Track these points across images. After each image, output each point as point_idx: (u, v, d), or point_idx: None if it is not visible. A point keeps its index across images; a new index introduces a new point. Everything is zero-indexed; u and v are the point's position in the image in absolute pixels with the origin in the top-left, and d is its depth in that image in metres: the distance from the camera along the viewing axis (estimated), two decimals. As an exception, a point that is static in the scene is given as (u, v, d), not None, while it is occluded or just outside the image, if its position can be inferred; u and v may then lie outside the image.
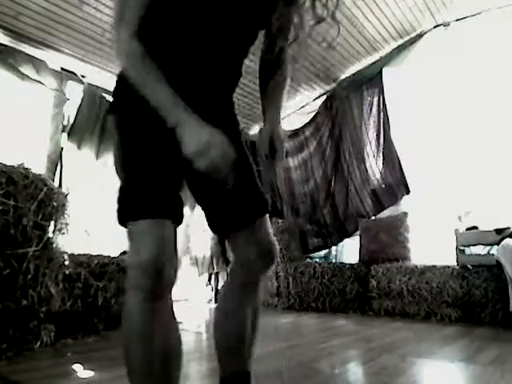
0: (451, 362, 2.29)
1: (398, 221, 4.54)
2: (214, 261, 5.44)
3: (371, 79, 5.09)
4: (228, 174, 0.95)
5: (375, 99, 5.07)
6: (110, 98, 4.44)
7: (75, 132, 4.04)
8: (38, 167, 3.43)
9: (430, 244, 4.51)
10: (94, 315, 2.88)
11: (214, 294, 5.53)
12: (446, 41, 4.67)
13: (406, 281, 3.90)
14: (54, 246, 2.58)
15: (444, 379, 2.02)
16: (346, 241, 5.29)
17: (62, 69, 4.04)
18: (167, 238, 0.98)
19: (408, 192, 4.67)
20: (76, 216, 3.38)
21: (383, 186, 4.87)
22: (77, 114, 4.08)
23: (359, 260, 4.65)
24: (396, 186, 4.74)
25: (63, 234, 2.67)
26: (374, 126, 5.03)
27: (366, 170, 5.01)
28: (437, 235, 4.43)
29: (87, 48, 3.94)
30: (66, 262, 2.72)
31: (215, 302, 5.46)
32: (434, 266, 3.86)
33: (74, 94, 4.17)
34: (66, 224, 2.70)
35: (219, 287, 5.59)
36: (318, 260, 5.23)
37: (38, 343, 2.36)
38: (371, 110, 5.09)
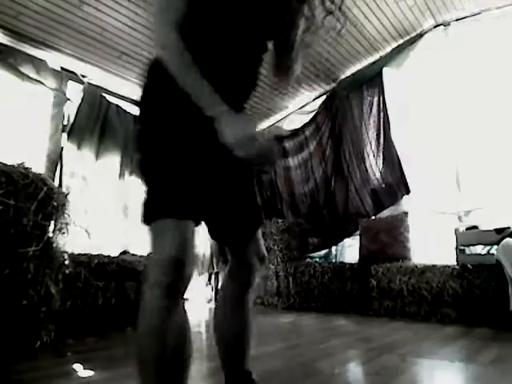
0: (451, 362, 2.29)
1: (398, 220, 4.54)
2: (214, 261, 5.44)
3: (371, 79, 5.09)
4: (272, 162, 1.05)
5: (375, 99, 5.07)
6: (109, 98, 4.43)
7: (75, 132, 4.04)
8: (38, 167, 3.44)
9: (430, 244, 4.51)
10: (94, 315, 2.88)
11: (213, 293, 5.53)
12: (446, 41, 4.67)
13: (405, 280, 3.90)
14: (54, 245, 2.58)
15: (444, 379, 2.02)
16: (346, 240, 5.29)
17: (62, 68, 4.04)
18: (189, 238, 1.01)
19: (408, 192, 4.67)
20: (76, 216, 3.39)
21: (383, 185, 4.87)
22: (77, 113, 4.08)
23: (359, 260, 4.65)
24: (396, 185, 4.73)
25: (63, 233, 2.66)
26: (374, 126, 5.03)
27: (366, 170, 5.01)
28: (437, 235, 4.43)
29: (87, 48, 3.94)
30: (66, 262, 2.72)
31: (215, 302, 5.46)
32: (434, 266, 3.85)
33: (74, 93, 4.16)
34: (66, 224, 2.70)
35: (219, 287, 5.60)
36: (318, 260, 5.23)
37: (38, 343, 2.36)
38: (371, 109, 5.09)
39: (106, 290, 3.00)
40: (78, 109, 4.10)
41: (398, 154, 4.75)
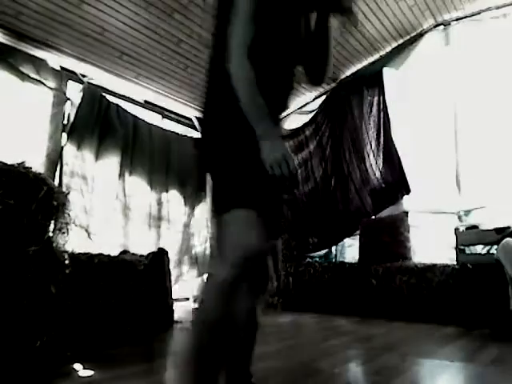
0: (451, 361, 2.29)
1: (398, 220, 4.54)
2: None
3: (371, 79, 5.09)
4: (292, 183, 1.19)
5: (375, 99, 5.07)
6: (109, 98, 4.42)
7: (75, 131, 4.04)
8: (38, 167, 3.43)
9: (430, 243, 4.51)
10: (94, 315, 2.88)
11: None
12: (446, 40, 4.67)
13: (405, 280, 3.90)
14: (54, 245, 2.58)
15: (444, 379, 2.02)
16: (346, 240, 5.29)
17: (62, 68, 4.04)
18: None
19: (408, 191, 4.67)
20: (76, 215, 3.39)
21: (383, 185, 4.87)
22: (77, 113, 4.07)
23: (359, 259, 4.65)
24: (396, 185, 4.73)
25: (63, 233, 2.66)
26: (374, 126, 5.03)
27: (366, 170, 5.01)
28: (437, 235, 4.43)
29: (88, 47, 3.94)
30: (66, 262, 2.72)
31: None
32: (434, 266, 3.86)
33: (74, 93, 4.16)
34: (66, 223, 2.69)
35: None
36: (318, 259, 5.23)
37: (39, 342, 2.36)
38: (371, 109, 5.09)
39: (106, 289, 3.00)
40: (78, 108, 4.09)
41: (398, 153, 4.75)
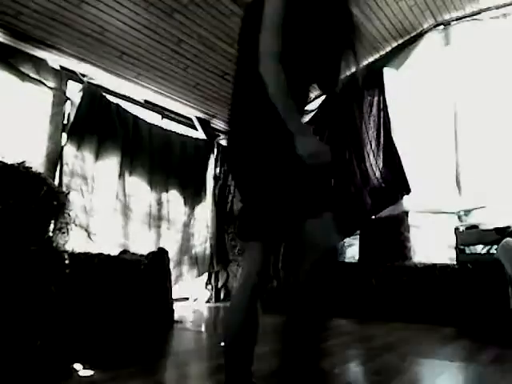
0: (451, 361, 2.30)
1: (398, 220, 4.54)
2: (214, 260, 5.44)
3: (371, 79, 5.08)
4: (328, 173, 1.31)
5: (375, 99, 5.06)
6: (109, 98, 4.41)
7: (75, 131, 4.04)
8: (38, 166, 3.43)
9: (430, 243, 4.51)
10: (94, 314, 2.88)
11: (213, 293, 5.53)
12: (446, 40, 4.67)
13: (405, 280, 3.90)
14: (55, 245, 2.58)
15: (444, 379, 2.02)
16: (346, 240, 5.28)
17: (62, 68, 4.03)
18: (269, 258, 1.44)
19: (408, 191, 4.66)
20: (76, 215, 3.39)
21: (383, 185, 4.87)
22: (77, 113, 4.07)
23: (359, 259, 4.65)
24: (396, 185, 4.73)
25: (63, 233, 2.66)
26: (374, 126, 5.03)
27: (366, 170, 5.00)
28: (437, 234, 4.43)
29: (88, 47, 3.94)
30: (67, 262, 2.72)
31: (215, 301, 5.46)
32: (434, 266, 3.86)
33: (74, 93, 4.16)
34: (66, 223, 2.70)
35: (219, 286, 5.59)
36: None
37: (39, 342, 2.36)
38: (371, 109, 5.08)
39: (106, 289, 3.00)
40: (78, 108, 4.09)
41: (399, 153, 4.75)
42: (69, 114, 4.07)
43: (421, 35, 4.83)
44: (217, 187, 5.71)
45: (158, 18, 3.82)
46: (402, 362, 2.25)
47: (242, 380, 1.40)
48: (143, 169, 4.69)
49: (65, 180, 3.91)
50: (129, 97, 4.85)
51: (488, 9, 4.41)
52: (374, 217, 4.92)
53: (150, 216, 4.70)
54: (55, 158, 3.86)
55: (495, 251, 3.35)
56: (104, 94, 4.39)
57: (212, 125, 5.76)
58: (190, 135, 5.48)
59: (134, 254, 3.78)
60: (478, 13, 4.48)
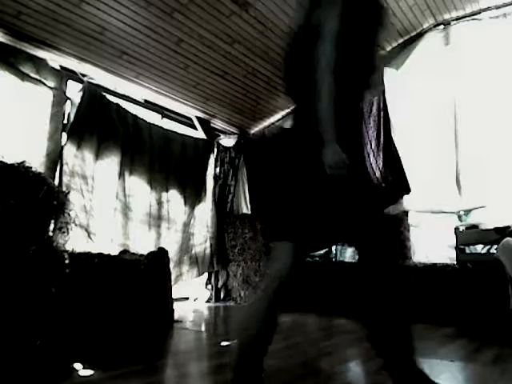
0: (451, 361, 2.30)
1: (398, 220, 4.54)
2: (214, 260, 5.44)
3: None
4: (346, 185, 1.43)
5: (375, 98, 5.06)
6: (110, 97, 4.41)
7: (75, 131, 4.04)
8: (38, 166, 3.43)
9: (430, 243, 4.51)
10: (93, 314, 2.88)
11: (213, 293, 5.53)
12: (446, 40, 4.67)
13: (405, 280, 3.90)
14: (55, 244, 2.58)
15: (444, 378, 2.02)
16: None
17: (62, 68, 4.03)
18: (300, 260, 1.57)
19: (408, 191, 4.66)
20: (76, 215, 3.38)
21: (383, 185, 4.87)
22: (77, 113, 4.07)
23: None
24: (396, 185, 4.73)
25: (63, 232, 2.67)
26: (374, 126, 5.03)
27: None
28: (437, 234, 4.44)
29: (88, 47, 3.94)
30: (67, 261, 2.72)
31: (215, 301, 5.46)
32: (434, 265, 3.86)
33: (74, 93, 4.16)
34: (67, 223, 2.70)
35: (219, 286, 5.60)
36: (318, 259, 5.23)
37: (39, 342, 2.36)
38: (371, 109, 5.08)
39: (106, 289, 3.00)
40: (78, 108, 4.08)
41: (399, 153, 4.75)
42: (69, 114, 4.07)
43: (421, 35, 4.83)
44: (217, 187, 5.71)
45: (158, 17, 3.82)
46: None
47: (252, 376, 1.45)
48: (143, 168, 4.69)
49: (65, 180, 3.91)
50: (129, 96, 4.85)
51: (488, 9, 4.41)
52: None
53: (149, 216, 4.70)
54: (55, 158, 3.86)
55: (495, 251, 3.36)
56: (104, 93, 4.38)
57: (212, 124, 5.76)
58: (189, 135, 5.48)
59: (133, 253, 3.78)
60: (478, 12, 4.48)
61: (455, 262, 3.74)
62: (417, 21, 4.68)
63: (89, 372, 2.06)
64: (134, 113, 4.70)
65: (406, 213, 4.59)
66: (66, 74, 4.06)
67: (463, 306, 3.56)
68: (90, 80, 4.27)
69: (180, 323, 3.66)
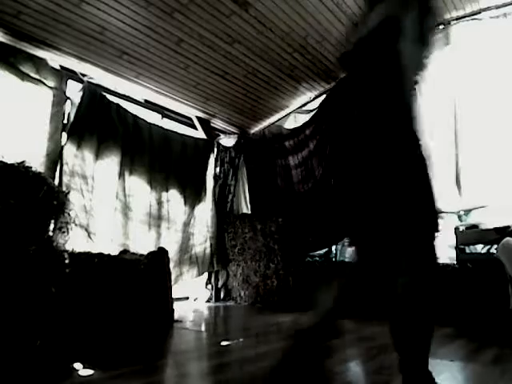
0: (451, 361, 2.30)
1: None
2: (214, 260, 5.44)
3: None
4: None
5: (375, 98, 5.06)
6: (110, 97, 4.40)
7: (75, 131, 4.04)
8: (38, 166, 3.43)
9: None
10: (93, 314, 2.88)
11: (213, 292, 5.53)
12: (446, 39, 4.66)
13: (405, 280, 3.90)
14: (55, 244, 2.58)
15: (443, 378, 2.02)
16: (346, 239, 5.28)
17: (62, 67, 4.03)
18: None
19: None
20: (76, 215, 3.38)
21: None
22: (76, 112, 4.07)
23: (359, 259, 4.64)
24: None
25: (63, 232, 2.67)
26: (374, 125, 5.02)
27: (366, 169, 5.00)
28: (437, 234, 4.42)
29: (88, 47, 3.94)
30: (67, 261, 2.72)
31: (215, 301, 5.46)
32: (434, 265, 3.85)
33: (74, 92, 4.16)
34: (67, 223, 2.70)
35: (219, 286, 5.60)
36: (318, 259, 5.23)
37: (38, 342, 2.36)
38: (371, 109, 5.07)
39: (106, 289, 3.00)
40: (78, 108, 4.09)
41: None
42: (69, 114, 4.07)
43: (421, 35, 4.82)
44: (217, 187, 5.72)
45: (158, 17, 3.81)
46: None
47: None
48: (143, 168, 4.69)
49: (65, 180, 3.91)
50: (129, 96, 4.85)
51: (488, 8, 4.40)
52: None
53: (149, 216, 4.70)
54: (55, 158, 3.86)
55: (495, 251, 3.35)
56: (104, 93, 4.38)
57: (212, 124, 5.76)
58: (189, 135, 5.48)
59: (133, 253, 3.78)
60: (478, 12, 4.47)
61: (455, 262, 3.74)
62: (417, 21, 4.67)
63: (89, 372, 2.06)
64: (134, 113, 4.70)
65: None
66: (65, 74, 4.06)
67: (463, 306, 3.56)
68: (90, 80, 4.27)
69: (180, 323, 3.66)
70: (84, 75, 4.22)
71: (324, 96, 5.51)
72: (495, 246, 3.41)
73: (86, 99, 4.15)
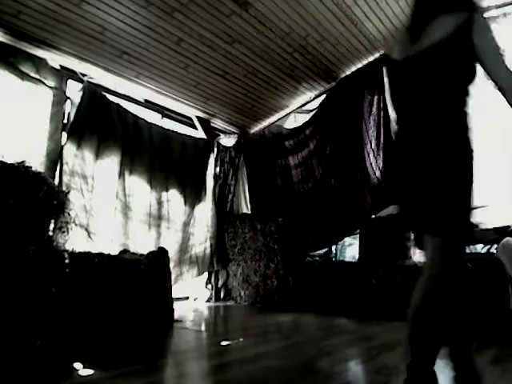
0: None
1: (398, 219, 4.54)
2: (214, 260, 5.44)
3: (371, 78, 5.08)
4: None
5: (375, 98, 5.07)
6: (110, 97, 4.40)
7: (75, 131, 4.04)
8: (38, 166, 3.43)
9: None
10: (93, 314, 2.88)
11: (213, 292, 5.53)
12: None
13: (406, 279, 3.90)
14: (55, 244, 2.58)
15: (444, 378, 2.02)
16: (346, 239, 5.29)
17: (62, 67, 4.03)
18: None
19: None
20: (76, 214, 3.38)
21: (383, 184, 4.87)
22: (76, 112, 4.07)
23: (359, 258, 4.65)
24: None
25: (63, 232, 2.67)
26: (374, 125, 5.03)
27: (366, 169, 5.01)
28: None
29: (88, 46, 3.93)
30: (67, 261, 2.72)
31: (215, 301, 5.47)
32: (434, 265, 3.85)
33: (74, 92, 4.16)
34: (67, 223, 2.70)
35: (219, 286, 5.60)
36: (318, 259, 5.23)
37: (39, 342, 2.36)
38: (371, 108, 5.09)
39: (106, 288, 3.00)
40: (78, 108, 4.08)
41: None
42: (69, 114, 4.07)
43: (421, 35, 4.82)
44: (217, 187, 5.72)
45: (158, 17, 3.81)
46: (402, 361, 2.25)
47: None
48: (143, 168, 4.69)
49: (65, 179, 3.91)
50: (129, 96, 4.85)
51: (488, 8, 4.40)
52: (373, 216, 4.92)
53: (149, 215, 4.70)
54: (55, 158, 3.86)
55: (495, 250, 3.35)
56: (104, 93, 4.38)
57: (212, 124, 5.76)
58: (189, 134, 5.48)
59: (133, 253, 3.78)
60: (478, 12, 4.47)
61: (455, 262, 3.73)
62: (417, 20, 4.67)
63: (89, 372, 2.06)
64: (134, 112, 4.70)
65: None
66: (66, 74, 4.06)
67: (463, 306, 3.55)
68: (90, 80, 4.27)
69: (180, 323, 3.67)
70: (84, 75, 4.22)
71: (324, 96, 5.51)
72: (495, 246, 3.41)
73: (86, 99, 4.15)
